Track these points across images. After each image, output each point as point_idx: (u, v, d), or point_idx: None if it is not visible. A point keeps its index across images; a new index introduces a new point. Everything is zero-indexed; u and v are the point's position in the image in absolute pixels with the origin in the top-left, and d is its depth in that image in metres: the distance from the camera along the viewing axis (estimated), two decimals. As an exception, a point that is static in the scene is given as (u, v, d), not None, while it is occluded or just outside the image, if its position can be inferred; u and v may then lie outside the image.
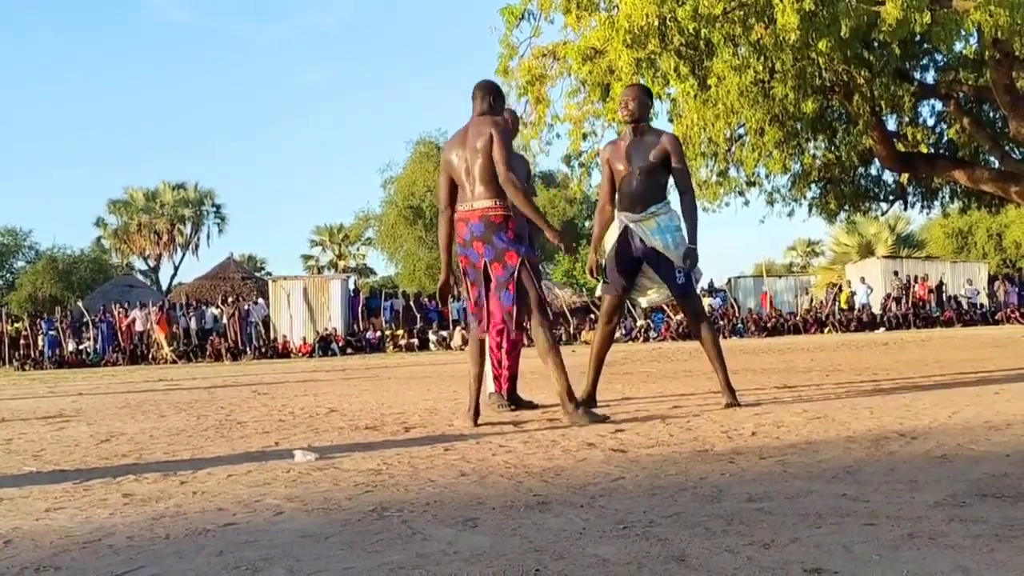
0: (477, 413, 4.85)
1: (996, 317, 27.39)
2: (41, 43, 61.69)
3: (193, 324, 26.07)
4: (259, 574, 2.06)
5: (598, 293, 5.78)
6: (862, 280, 27.97)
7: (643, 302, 5.73)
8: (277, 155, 71.23)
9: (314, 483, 3.23)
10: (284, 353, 24.93)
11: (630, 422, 4.72)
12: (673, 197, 5.42)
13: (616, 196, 5.40)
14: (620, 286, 5.41)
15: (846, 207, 14.16)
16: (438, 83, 69.62)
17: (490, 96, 4.79)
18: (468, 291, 4.88)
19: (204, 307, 27.16)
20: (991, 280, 30.41)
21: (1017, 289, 29.16)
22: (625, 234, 5.32)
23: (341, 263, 43.64)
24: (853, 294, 27.76)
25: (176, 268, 43.80)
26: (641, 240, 5.26)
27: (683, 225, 5.27)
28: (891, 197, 14.40)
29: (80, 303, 28.78)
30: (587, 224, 41.08)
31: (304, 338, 25.74)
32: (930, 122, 13.21)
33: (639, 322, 26.54)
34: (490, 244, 4.62)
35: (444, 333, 25.39)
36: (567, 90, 10.61)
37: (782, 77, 9.51)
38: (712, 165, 11.89)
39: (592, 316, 27.69)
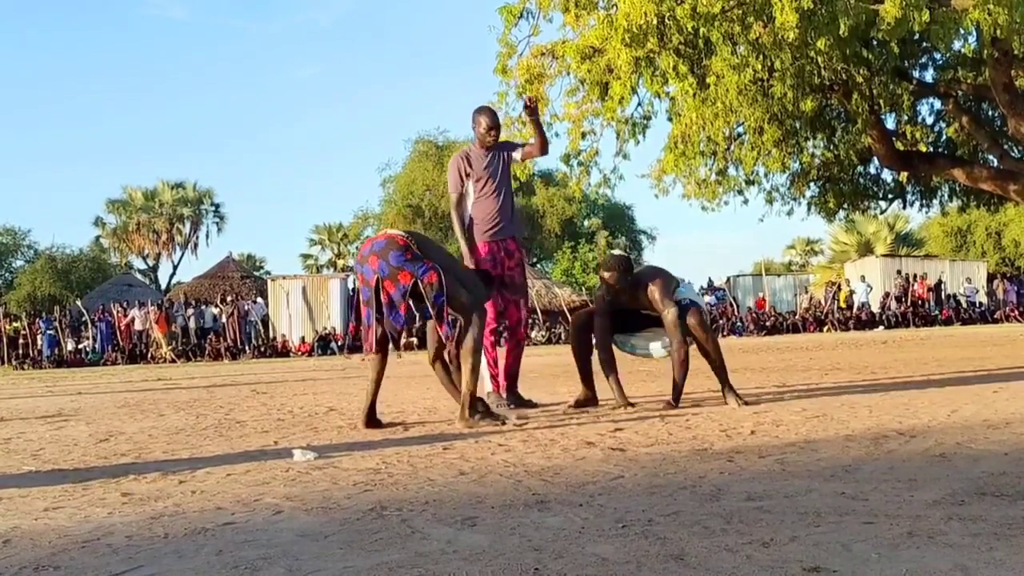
0: (369, 418, 4.97)
1: (995, 316, 27.43)
2: (39, 41, 61.65)
3: (192, 323, 26.06)
4: (258, 573, 2.05)
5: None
6: (862, 279, 27.98)
7: (636, 348, 5.81)
8: (276, 154, 71.13)
9: (313, 482, 3.23)
10: (283, 352, 24.93)
11: (629, 421, 4.72)
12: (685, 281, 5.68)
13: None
14: (611, 315, 5.54)
15: (845, 206, 14.16)
16: (437, 82, 69.51)
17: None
18: (359, 309, 4.96)
19: (203, 306, 27.14)
20: (990, 279, 30.44)
21: (1016, 288, 29.18)
22: None
23: (340, 262, 43.57)
24: (852, 293, 27.77)
25: (175, 267, 43.78)
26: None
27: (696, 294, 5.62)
28: (890, 196, 14.39)
29: (79, 302, 28.77)
30: (585, 223, 41.08)
31: (303, 337, 25.74)
32: (929, 121, 13.20)
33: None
34: (384, 260, 4.69)
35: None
36: (566, 89, 10.60)
37: (781, 76, 9.50)
38: (711, 164, 11.88)
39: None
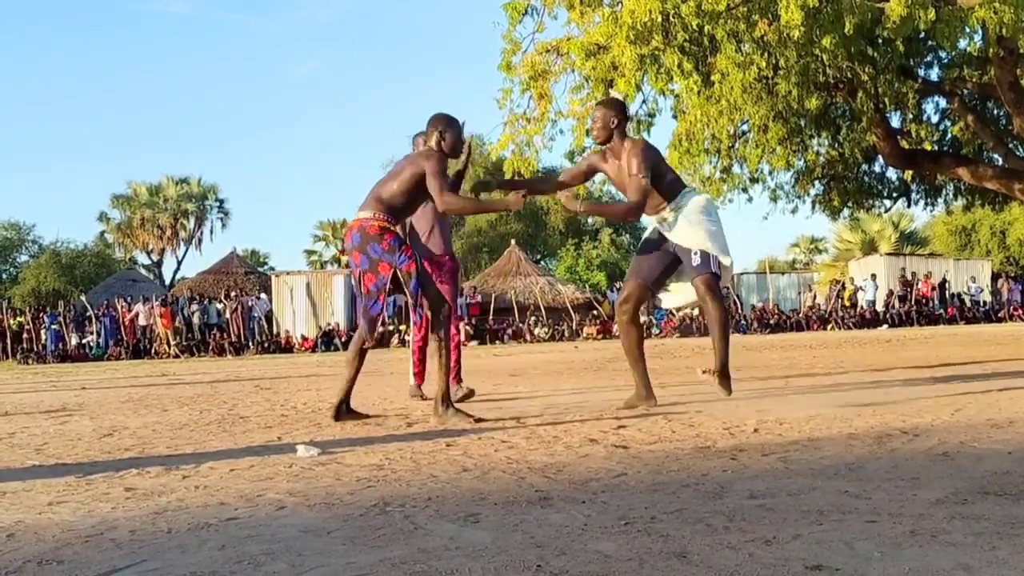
0: (339, 410, 5.02)
1: (999, 315, 27.39)
2: (43, 36, 61.69)
3: (196, 319, 26.09)
4: (261, 568, 2.06)
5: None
6: (872, 276, 27.96)
7: (667, 301, 5.45)
8: (280, 149, 71.09)
9: (316, 478, 3.23)
10: (287, 348, 24.95)
11: (632, 418, 4.72)
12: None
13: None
14: (642, 274, 5.13)
15: (849, 204, 14.15)
16: (441, 77, 69.53)
17: (437, 130, 4.89)
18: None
19: (207, 302, 27.17)
20: (994, 278, 30.41)
21: (1020, 287, 29.15)
22: (658, 231, 5.12)
23: (344, 258, 43.57)
24: (856, 291, 27.76)
25: (179, 263, 43.76)
26: (668, 235, 5.04)
27: (709, 209, 5.00)
28: (894, 194, 14.38)
29: (83, 297, 28.81)
30: (589, 220, 41.03)
31: (303, 335, 25.75)
32: (934, 119, 13.17)
33: (642, 318, 26.54)
34: (365, 254, 4.78)
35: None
36: (570, 86, 10.59)
37: (786, 74, 9.49)
38: (715, 162, 11.87)
39: (595, 312, 27.68)
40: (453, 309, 6.36)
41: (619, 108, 5.10)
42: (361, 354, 5.01)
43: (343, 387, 5.05)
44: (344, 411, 5.03)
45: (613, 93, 6.04)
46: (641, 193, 4.85)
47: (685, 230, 4.95)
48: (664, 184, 5.02)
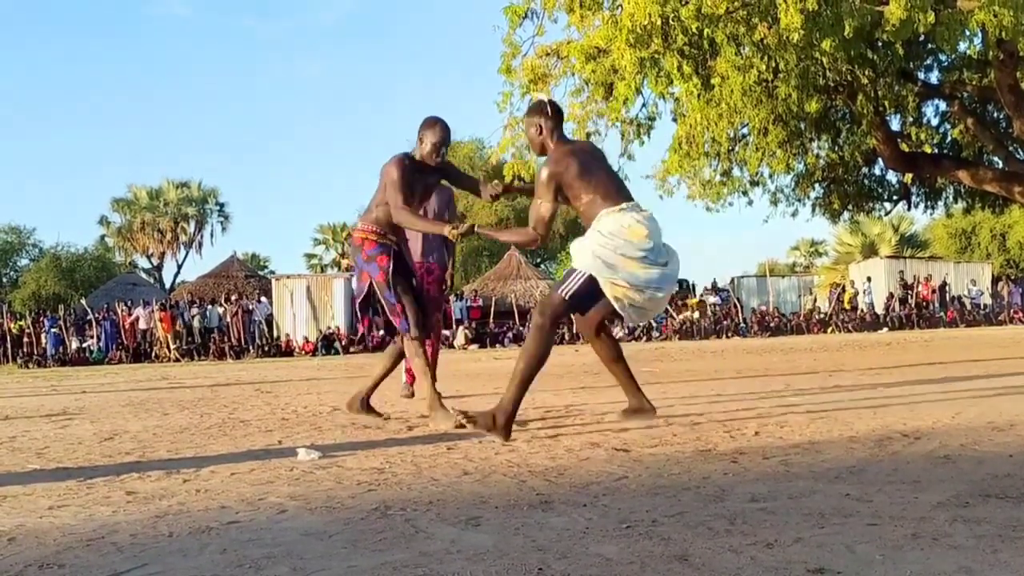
0: (365, 404, 5.18)
1: (999, 318, 27.39)
2: (44, 39, 61.75)
3: (196, 322, 26.07)
4: (262, 572, 2.06)
5: None
6: (868, 279, 27.98)
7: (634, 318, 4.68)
8: (280, 153, 71.15)
9: (317, 481, 3.23)
10: (287, 352, 24.94)
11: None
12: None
13: None
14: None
15: (850, 207, 14.19)
16: (441, 81, 69.60)
17: (419, 136, 4.85)
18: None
19: (208, 305, 27.16)
20: (995, 281, 30.44)
21: (1020, 289, 29.16)
22: None
23: (344, 262, 43.59)
24: (856, 294, 27.76)
25: (179, 266, 43.77)
26: None
27: (606, 222, 4.14)
28: (895, 197, 14.41)
29: (83, 301, 28.80)
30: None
31: (305, 337, 25.75)
32: (934, 122, 13.20)
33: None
34: (355, 262, 5.03)
35: (447, 332, 25.38)
36: (570, 89, 10.63)
37: (785, 77, 9.51)
38: (715, 165, 11.90)
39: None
40: (433, 318, 6.36)
41: (540, 110, 4.37)
42: (398, 355, 5.11)
43: (370, 384, 5.18)
44: (362, 405, 5.15)
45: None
46: (536, 221, 4.25)
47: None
48: (585, 204, 4.23)
